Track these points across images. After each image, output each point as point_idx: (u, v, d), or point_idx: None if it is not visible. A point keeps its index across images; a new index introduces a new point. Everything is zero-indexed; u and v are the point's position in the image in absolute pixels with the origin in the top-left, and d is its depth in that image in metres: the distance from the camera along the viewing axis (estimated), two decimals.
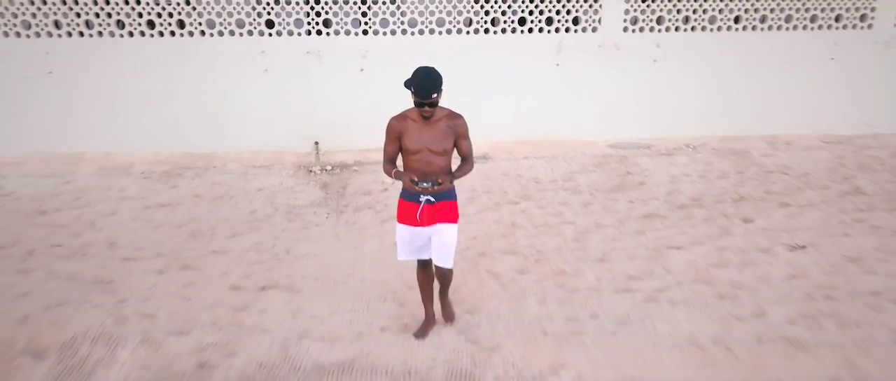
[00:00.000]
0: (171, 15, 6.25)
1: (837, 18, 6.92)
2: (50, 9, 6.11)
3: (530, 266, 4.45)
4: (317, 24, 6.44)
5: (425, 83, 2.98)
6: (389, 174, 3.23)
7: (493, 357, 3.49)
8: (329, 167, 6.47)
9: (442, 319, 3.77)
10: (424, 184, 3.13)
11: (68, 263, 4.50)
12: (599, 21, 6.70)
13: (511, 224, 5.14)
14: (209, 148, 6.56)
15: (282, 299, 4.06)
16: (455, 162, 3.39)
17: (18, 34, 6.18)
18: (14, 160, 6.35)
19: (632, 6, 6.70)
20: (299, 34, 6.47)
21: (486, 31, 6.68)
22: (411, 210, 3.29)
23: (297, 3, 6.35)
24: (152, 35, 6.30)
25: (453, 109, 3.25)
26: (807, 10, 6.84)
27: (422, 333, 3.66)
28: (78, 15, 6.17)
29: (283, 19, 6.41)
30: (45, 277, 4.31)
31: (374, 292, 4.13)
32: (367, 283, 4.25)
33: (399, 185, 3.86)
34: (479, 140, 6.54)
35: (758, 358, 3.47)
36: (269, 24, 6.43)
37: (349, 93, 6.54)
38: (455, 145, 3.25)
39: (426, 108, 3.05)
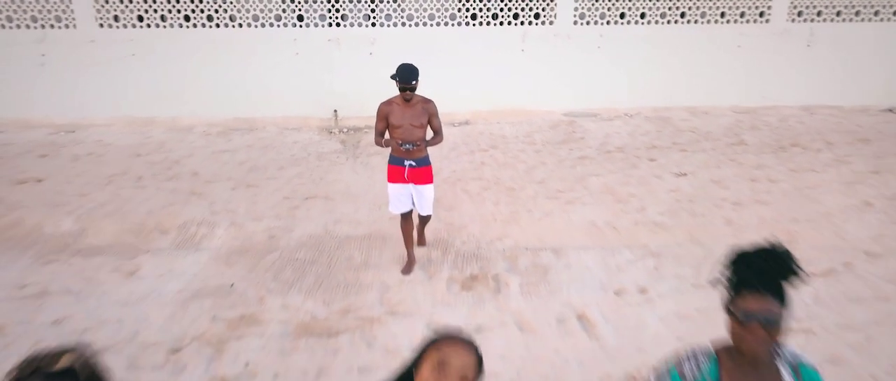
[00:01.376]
0: (225, 11, 8.18)
1: (742, 15, 8.86)
2: (135, 6, 8.03)
3: (491, 186, 6.38)
4: (336, 18, 8.36)
5: (407, 73, 4.25)
6: (379, 144, 4.47)
7: (462, 232, 5.40)
8: (345, 129, 8.39)
9: (417, 244, 5.26)
10: (407, 146, 4.43)
11: (168, 183, 6.43)
12: (555, 16, 8.63)
13: (480, 164, 7.06)
14: (252, 114, 8.47)
15: (321, 203, 5.98)
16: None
17: (110, 25, 8.10)
18: (105, 122, 8.28)
19: (580, 5, 8.63)
20: (322, 26, 8.39)
21: (467, 24, 8.61)
22: (399, 172, 4.51)
23: (321, 2, 8.28)
24: (210, 26, 8.22)
25: (426, 96, 4.55)
26: (718, 8, 8.78)
27: (407, 270, 4.70)
28: (155, 11, 8.09)
29: (311, 14, 8.34)
30: (155, 190, 6.23)
31: (382, 200, 6.04)
32: (377, 196, 6.16)
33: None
34: (461, 109, 8.51)
35: (632, 233, 5.40)
36: (300, 18, 8.36)
37: (361, 72, 8.46)
38: (429, 122, 4.49)
39: (407, 91, 4.29)
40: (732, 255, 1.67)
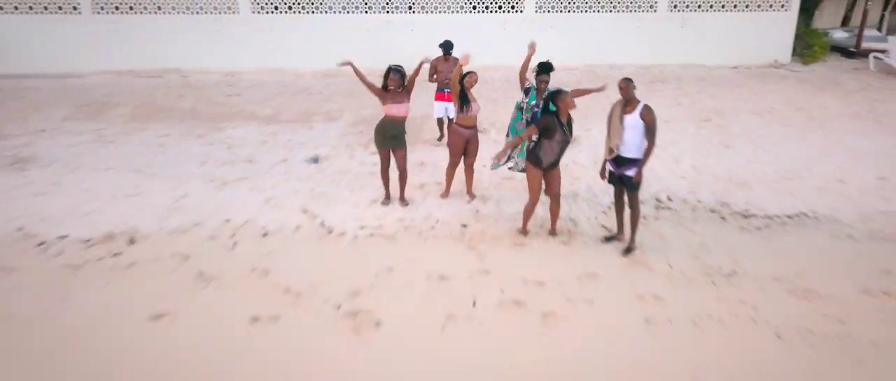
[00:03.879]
0: (330, 7, 13.72)
1: (639, 7, 14.26)
2: (281, 2, 13.60)
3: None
4: (390, 8, 13.87)
5: (447, 45, 8.93)
6: (431, 80, 9.98)
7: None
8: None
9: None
10: (445, 81, 10.05)
11: (309, 96, 11.96)
12: (524, 8, 14.08)
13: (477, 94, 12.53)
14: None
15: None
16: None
17: (259, 12, 13.67)
18: (257, 72, 13.86)
19: (540, 1, 14.06)
20: (380, 13, 13.89)
21: (469, 12, 14.06)
22: (441, 95, 8.99)
23: None
24: (313, 12, 13.75)
25: (456, 57, 10.30)
26: (625, 3, 14.18)
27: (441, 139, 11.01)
28: (297, 3, 13.65)
29: (375, 6, 13.84)
30: (306, 97, 11.76)
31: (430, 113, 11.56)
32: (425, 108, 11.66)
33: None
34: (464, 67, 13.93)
35: None
36: (368, 8, 13.86)
37: (405, 43, 13.92)
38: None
39: (447, 54, 9.83)
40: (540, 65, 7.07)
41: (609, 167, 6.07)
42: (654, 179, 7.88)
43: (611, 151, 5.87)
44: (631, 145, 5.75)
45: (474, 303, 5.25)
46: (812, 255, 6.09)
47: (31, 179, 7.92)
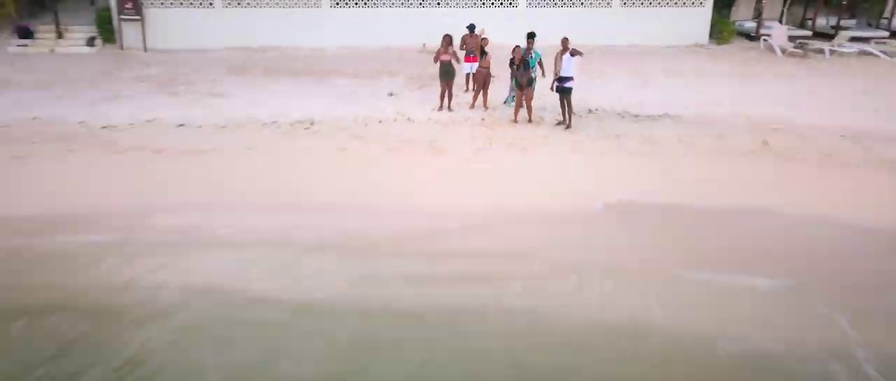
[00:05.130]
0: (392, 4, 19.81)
1: (599, 4, 20.31)
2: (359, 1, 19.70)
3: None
4: (435, 3, 19.93)
5: (472, 26, 15.60)
6: (461, 48, 16.27)
7: None
8: (426, 50, 19.97)
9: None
10: (472, 52, 16.13)
11: (370, 61, 18.02)
12: (518, 4, 20.15)
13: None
14: (397, 44, 20.04)
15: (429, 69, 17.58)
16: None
17: (336, 6, 19.74)
18: (336, 47, 19.95)
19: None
20: (432, 7, 19.93)
21: (480, 6, 20.12)
22: (469, 59, 15.92)
23: None
24: (373, 6, 19.81)
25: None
26: (589, 1, 20.23)
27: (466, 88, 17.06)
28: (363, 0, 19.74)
29: (413, 2, 19.91)
30: (369, 61, 17.82)
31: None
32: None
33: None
34: None
35: None
36: (410, 4, 19.93)
37: (442, 26, 19.93)
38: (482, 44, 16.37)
39: (472, 32, 16.03)
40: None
41: (556, 84, 12.19)
42: (591, 99, 13.99)
43: (556, 74, 11.99)
44: (567, 70, 11.85)
45: (490, 142, 11.40)
46: (661, 129, 12.25)
47: (232, 104, 14.02)
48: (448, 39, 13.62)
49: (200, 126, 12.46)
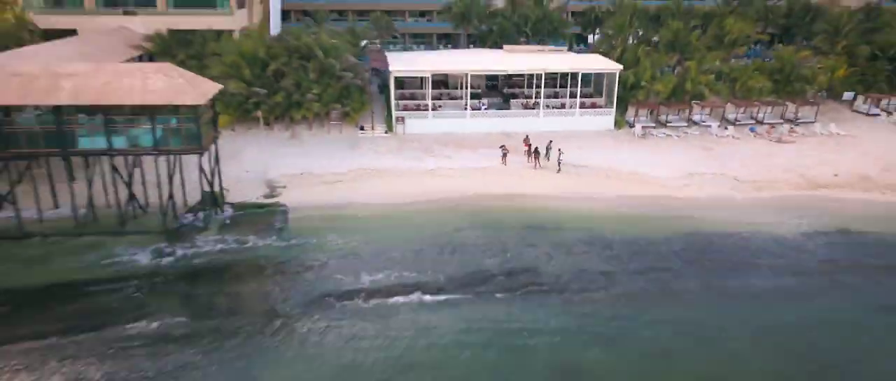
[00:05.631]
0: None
1: (561, 110, 52.68)
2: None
3: None
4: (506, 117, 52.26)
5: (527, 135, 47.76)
6: None
7: None
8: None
9: None
10: None
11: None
12: (539, 115, 52.52)
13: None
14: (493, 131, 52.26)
15: None
16: None
17: (472, 118, 52.05)
18: (465, 134, 52.34)
19: None
20: (508, 117, 52.16)
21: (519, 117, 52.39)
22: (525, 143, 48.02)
23: None
24: (487, 118, 52.11)
25: None
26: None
27: None
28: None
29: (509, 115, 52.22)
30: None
31: None
32: None
33: None
34: None
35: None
36: (502, 117, 52.24)
37: (514, 125, 51.99)
38: None
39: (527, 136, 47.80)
40: None
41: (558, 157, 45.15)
42: (569, 158, 46.69)
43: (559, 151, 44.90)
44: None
45: (530, 172, 44.50)
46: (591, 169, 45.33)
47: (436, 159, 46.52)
48: (526, 137, 45.79)
49: (430, 169, 44.89)
